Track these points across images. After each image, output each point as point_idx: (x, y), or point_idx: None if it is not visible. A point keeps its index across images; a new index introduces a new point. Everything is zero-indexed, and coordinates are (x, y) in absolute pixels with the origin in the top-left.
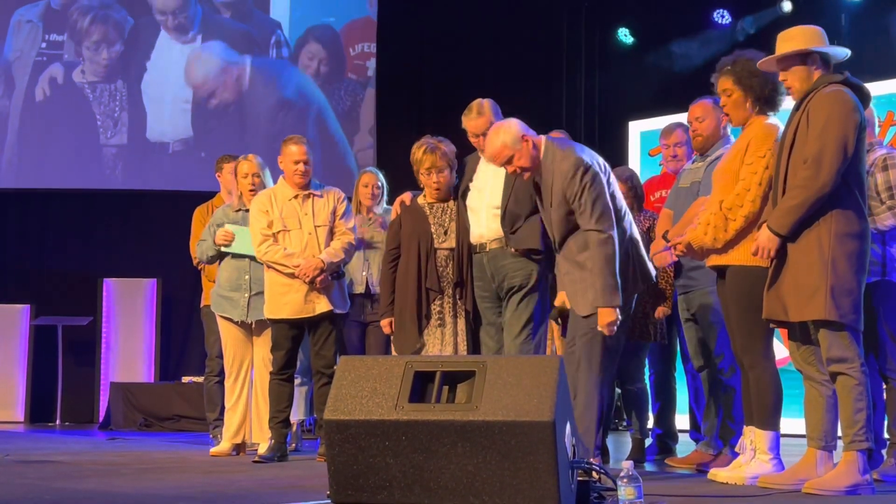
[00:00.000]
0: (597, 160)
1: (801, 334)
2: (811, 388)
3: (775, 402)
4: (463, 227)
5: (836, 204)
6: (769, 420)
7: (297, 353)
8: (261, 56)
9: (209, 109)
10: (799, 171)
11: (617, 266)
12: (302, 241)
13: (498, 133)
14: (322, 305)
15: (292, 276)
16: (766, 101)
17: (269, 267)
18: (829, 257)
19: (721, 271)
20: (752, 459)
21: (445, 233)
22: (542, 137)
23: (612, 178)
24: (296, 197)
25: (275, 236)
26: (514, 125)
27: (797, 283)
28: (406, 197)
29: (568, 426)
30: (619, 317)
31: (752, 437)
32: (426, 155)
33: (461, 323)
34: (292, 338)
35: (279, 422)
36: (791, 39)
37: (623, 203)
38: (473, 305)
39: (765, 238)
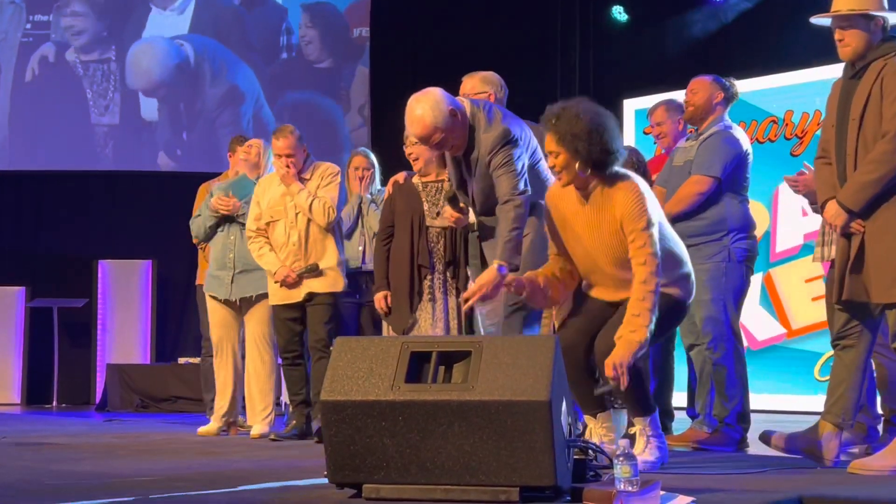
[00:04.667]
0: (524, 130)
1: (855, 308)
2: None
3: None
4: None
5: None
6: None
7: (300, 335)
8: (256, 35)
9: (201, 89)
10: (877, 144)
11: (521, 225)
12: (285, 231)
13: (425, 110)
14: (304, 289)
15: None
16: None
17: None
18: None
19: None
20: None
21: (438, 213)
22: (466, 103)
23: (539, 151)
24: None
25: (265, 227)
26: (440, 99)
27: (877, 264)
28: (400, 176)
29: (564, 405)
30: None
31: None
32: None
33: (452, 301)
34: (289, 321)
35: (297, 404)
36: None
37: (548, 174)
38: (466, 284)
39: (833, 212)
